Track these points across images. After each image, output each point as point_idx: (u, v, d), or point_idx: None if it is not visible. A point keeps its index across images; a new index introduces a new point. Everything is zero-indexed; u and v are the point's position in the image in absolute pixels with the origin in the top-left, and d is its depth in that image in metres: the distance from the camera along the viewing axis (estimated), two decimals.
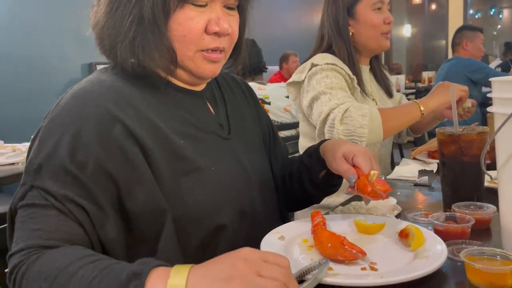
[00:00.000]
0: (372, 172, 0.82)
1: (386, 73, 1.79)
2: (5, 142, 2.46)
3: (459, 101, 1.43)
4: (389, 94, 1.73)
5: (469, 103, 1.47)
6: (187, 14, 0.76)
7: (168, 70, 0.79)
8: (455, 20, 7.04)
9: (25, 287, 0.63)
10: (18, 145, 2.38)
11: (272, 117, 2.65)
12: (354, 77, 1.47)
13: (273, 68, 4.87)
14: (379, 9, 1.51)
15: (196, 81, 0.85)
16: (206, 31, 0.78)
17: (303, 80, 1.48)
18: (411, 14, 8.73)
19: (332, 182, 0.99)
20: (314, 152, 0.97)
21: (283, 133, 2.68)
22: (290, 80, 1.55)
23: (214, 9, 0.78)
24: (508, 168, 0.72)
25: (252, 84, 2.91)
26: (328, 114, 1.33)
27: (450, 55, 3.71)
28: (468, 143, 0.97)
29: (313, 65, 1.45)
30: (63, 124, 0.71)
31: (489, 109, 0.77)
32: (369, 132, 1.28)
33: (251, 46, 3.20)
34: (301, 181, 1.00)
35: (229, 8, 0.81)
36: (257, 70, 3.10)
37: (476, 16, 8.74)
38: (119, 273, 0.58)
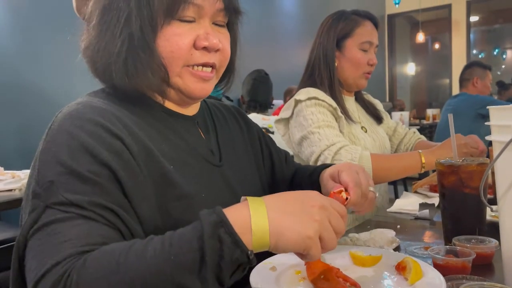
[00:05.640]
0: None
1: (372, 99, 1.81)
2: (5, 169, 2.45)
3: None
4: (378, 121, 1.74)
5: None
6: (174, 30, 0.75)
7: (160, 90, 0.78)
8: (458, 60, 7.13)
9: None
10: (17, 172, 2.37)
11: None
12: (337, 106, 1.49)
13: (277, 102, 4.91)
14: (365, 50, 1.55)
15: (186, 100, 0.83)
16: (195, 46, 0.76)
17: (291, 116, 1.52)
18: (415, 53, 8.86)
19: None
20: (314, 173, 0.99)
21: None
22: (278, 117, 1.59)
23: (202, 25, 0.77)
24: (509, 198, 0.69)
25: (255, 115, 2.92)
26: (320, 155, 1.38)
27: (454, 93, 3.68)
28: (469, 174, 0.94)
29: (296, 101, 1.50)
30: (65, 141, 0.66)
31: (487, 137, 0.75)
32: None
33: (263, 81, 3.19)
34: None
35: (219, 26, 0.80)
36: (263, 106, 3.11)
37: (480, 56, 8.83)
38: (194, 229, 0.56)
